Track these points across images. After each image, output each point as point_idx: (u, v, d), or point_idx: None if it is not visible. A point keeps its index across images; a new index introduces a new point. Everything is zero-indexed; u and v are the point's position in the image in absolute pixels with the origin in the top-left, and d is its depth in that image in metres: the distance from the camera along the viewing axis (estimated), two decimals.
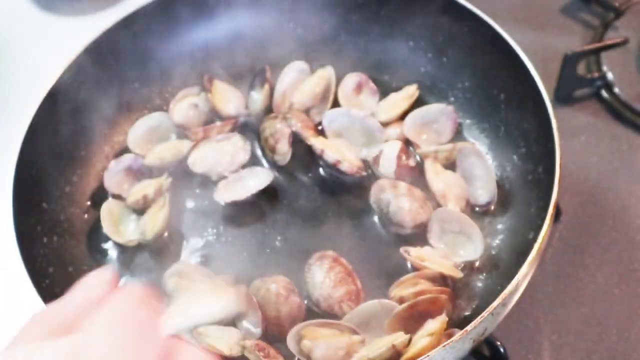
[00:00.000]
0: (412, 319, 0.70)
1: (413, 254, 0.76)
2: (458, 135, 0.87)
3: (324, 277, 0.75)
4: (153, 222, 0.80)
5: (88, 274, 0.40)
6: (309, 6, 0.93)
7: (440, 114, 0.87)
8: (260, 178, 0.82)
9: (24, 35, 1.10)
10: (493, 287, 0.73)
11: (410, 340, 0.68)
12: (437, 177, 0.81)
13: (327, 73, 0.90)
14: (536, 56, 0.97)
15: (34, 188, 0.79)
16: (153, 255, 0.81)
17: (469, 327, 0.62)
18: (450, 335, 0.65)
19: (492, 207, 0.80)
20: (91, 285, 0.40)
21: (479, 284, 0.76)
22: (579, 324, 0.78)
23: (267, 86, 0.90)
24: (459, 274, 0.75)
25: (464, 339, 0.63)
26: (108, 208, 0.82)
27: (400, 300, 0.72)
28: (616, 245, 0.83)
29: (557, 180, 0.71)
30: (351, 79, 0.91)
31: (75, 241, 0.81)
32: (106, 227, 0.81)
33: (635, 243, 0.83)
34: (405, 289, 0.73)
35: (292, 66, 0.91)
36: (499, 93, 0.84)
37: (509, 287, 0.64)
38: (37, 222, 0.78)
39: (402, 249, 0.76)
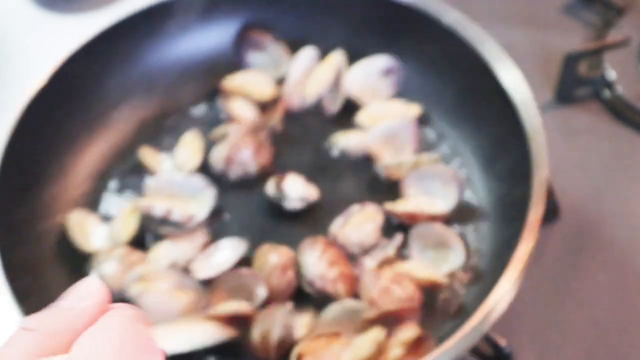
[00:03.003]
0: (383, 320, 0.70)
1: (398, 268, 0.75)
2: (437, 147, 0.87)
3: (318, 258, 0.75)
4: (126, 228, 0.79)
5: (75, 284, 0.38)
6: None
7: (402, 126, 0.85)
8: (231, 251, 0.78)
9: (22, 33, 1.10)
10: (480, 295, 0.73)
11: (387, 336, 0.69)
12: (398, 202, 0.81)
13: (337, 58, 0.89)
14: (536, 55, 0.97)
15: (15, 197, 0.78)
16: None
17: (448, 345, 0.63)
18: (422, 340, 0.68)
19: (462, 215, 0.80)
20: (80, 296, 0.37)
21: (465, 292, 0.76)
22: (579, 325, 0.78)
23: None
24: (445, 280, 0.75)
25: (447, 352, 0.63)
26: (75, 220, 0.81)
27: (370, 302, 0.73)
28: (618, 245, 0.83)
29: (536, 194, 0.71)
30: (383, 60, 0.89)
31: (52, 252, 0.80)
32: (76, 239, 0.79)
33: (637, 244, 0.83)
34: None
35: (304, 53, 0.89)
36: (476, 105, 0.84)
37: (486, 306, 0.65)
38: (16, 231, 0.77)
39: (359, 268, 0.76)
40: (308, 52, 0.89)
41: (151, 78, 0.91)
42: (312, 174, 0.84)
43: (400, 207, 0.80)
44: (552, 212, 0.84)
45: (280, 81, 0.90)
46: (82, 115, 0.87)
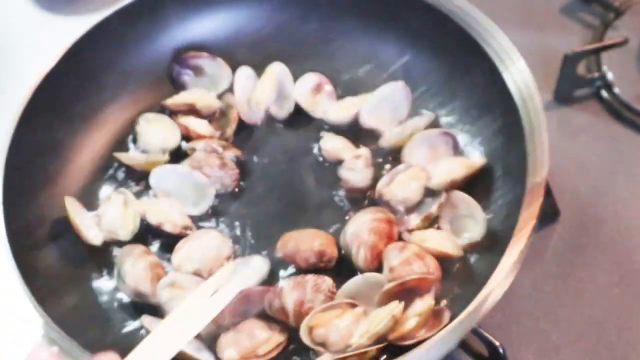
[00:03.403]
0: (401, 293, 0.72)
1: (414, 236, 0.78)
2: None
3: (368, 220, 0.77)
4: (129, 223, 0.81)
5: (26, 356, 0.36)
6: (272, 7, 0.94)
7: (391, 92, 0.88)
8: (255, 269, 0.78)
9: (22, 33, 1.10)
10: (489, 265, 0.74)
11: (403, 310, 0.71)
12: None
13: (276, 69, 0.91)
14: (536, 56, 0.97)
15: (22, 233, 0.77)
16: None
17: (444, 331, 0.64)
18: (437, 312, 0.71)
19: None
20: None
21: (476, 262, 0.77)
22: (579, 324, 0.78)
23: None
24: (459, 253, 0.76)
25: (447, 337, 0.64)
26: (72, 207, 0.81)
27: (392, 270, 0.75)
28: (616, 245, 0.83)
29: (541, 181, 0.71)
30: (310, 78, 0.92)
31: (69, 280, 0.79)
32: (76, 224, 0.80)
33: (635, 243, 0.83)
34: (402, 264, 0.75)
35: (240, 73, 0.91)
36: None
37: (479, 297, 0.65)
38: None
39: (403, 229, 0.79)
40: (244, 71, 0.91)
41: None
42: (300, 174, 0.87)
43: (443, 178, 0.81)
44: (551, 212, 0.84)
45: (220, 96, 0.92)
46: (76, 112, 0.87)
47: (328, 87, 0.92)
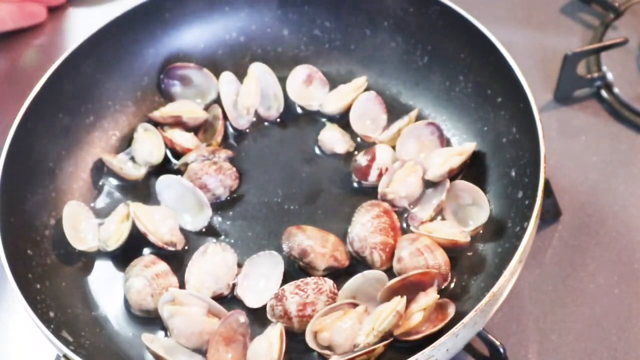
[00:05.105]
0: (404, 288, 0.72)
1: (422, 228, 0.78)
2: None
3: (368, 220, 0.78)
4: (118, 234, 0.80)
5: None
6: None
7: (365, 101, 0.89)
8: (273, 267, 0.78)
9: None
10: (493, 258, 0.76)
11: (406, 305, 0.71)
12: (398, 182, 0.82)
13: (257, 69, 0.91)
14: (536, 56, 0.97)
15: (19, 235, 0.77)
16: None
17: (454, 329, 0.64)
18: (442, 306, 0.71)
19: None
20: None
21: (482, 254, 0.77)
22: (579, 324, 0.78)
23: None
24: (467, 240, 0.77)
25: (456, 335, 0.65)
26: (70, 211, 0.81)
27: (400, 260, 0.76)
28: (616, 245, 0.83)
29: (542, 174, 0.72)
30: (300, 71, 0.92)
31: (66, 282, 0.79)
32: (67, 231, 0.79)
33: (635, 243, 0.83)
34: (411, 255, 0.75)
35: (222, 80, 0.91)
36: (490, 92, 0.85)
37: (494, 288, 0.66)
38: (28, 270, 0.76)
39: (410, 221, 0.80)
40: (226, 77, 0.91)
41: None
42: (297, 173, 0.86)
43: (442, 167, 0.81)
44: (553, 212, 0.84)
45: (208, 107, 0.91)
46: (72, 139, 0.87)
47: (318, 76, 0.92)
